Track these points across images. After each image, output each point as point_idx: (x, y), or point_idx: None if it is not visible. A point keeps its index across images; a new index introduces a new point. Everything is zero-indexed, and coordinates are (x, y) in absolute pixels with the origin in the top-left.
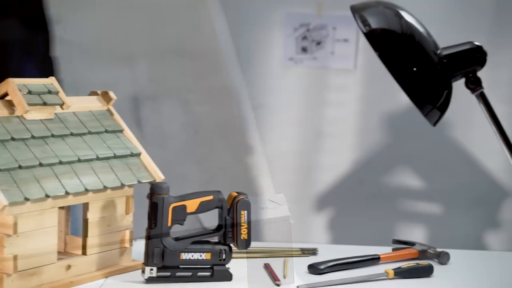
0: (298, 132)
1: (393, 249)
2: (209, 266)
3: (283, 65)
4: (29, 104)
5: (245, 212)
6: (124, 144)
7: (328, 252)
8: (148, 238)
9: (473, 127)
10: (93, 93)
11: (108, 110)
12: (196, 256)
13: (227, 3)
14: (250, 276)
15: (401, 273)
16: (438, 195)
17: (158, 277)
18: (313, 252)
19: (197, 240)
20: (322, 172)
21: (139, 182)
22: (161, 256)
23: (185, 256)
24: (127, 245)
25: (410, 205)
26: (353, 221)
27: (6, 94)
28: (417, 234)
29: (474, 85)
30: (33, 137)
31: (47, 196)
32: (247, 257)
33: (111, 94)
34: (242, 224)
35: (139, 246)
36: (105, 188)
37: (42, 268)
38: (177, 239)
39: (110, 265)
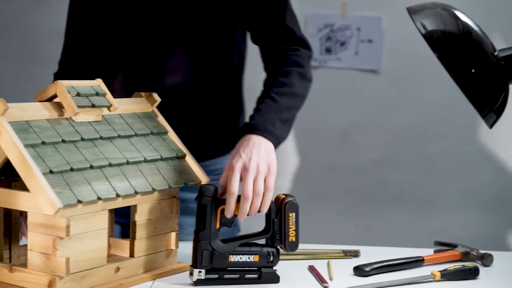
0: (321, 132)
1: (435, 251)
2: (256, 268)
3: None
4: (78, 106)
5: (293, 214)
6: (169, 146)
7: (367, 254)
8: (197, 240)
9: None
10: (137, 95)
11: (153, 112)
12: (244, 258)
13: None
14: (297, 278)
15: (447, 275)
16: (460, 195)
17: (206, 279)
18: (355, 254)
19: (245, 242)
20: (345, 172)
21: (185, 184)
22: (209, 259)
23: (233, 258)
24: (173, 247)
25: (431, 205)
26: (375, 222)
27: (54, 96)
28: (438, 234)
29: None
30: (82, 139)
31: (99, 198)
32: (291, 259)
33: (155, 96)
34: (290, 226)
35: (184, 248)
36: (154, 190)
37: (93, 271)
38: (225, 241)
39: (156, 267)
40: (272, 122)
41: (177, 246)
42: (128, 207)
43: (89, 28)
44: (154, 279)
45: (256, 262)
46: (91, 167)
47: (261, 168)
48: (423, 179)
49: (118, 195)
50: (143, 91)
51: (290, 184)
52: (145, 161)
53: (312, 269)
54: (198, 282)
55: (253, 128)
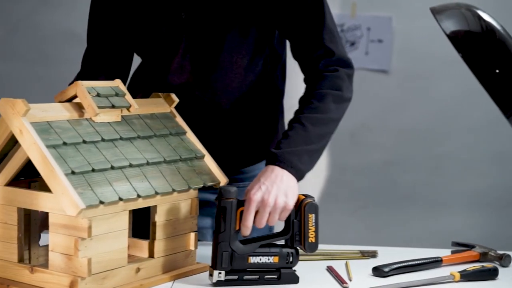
0: None
1: (452, 251)
2: (276, 269)
3: None
4: (99, 107)
5: (313, 215)
6: (188, 147)
7: (384, 255)
8: (217, 242)
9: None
10: (155, 96)
11: (171, 112)
12: (264, 259)
13: None
14: (316, 278)
15: (467, 276)
16: (469, 195)
17: (226, 280)
18: (372, 254)
19: (265, 243)
20: (355, 173)
21: (204, 185)
22: (229, 260)
23: (253, 259)
24: (192, 247)
25: (441, 205)
26: (385, 222)
27: (74, 97)
28: (447, 234)
29: None
30: (103, 140)
31: (120, 199)
32: (309, 260)
33: (173, 96)
34: (310, 227)
35: (203, 249)
36: (173, 190)
37: (114, 271)
38: (244, 242)
39: (176, 268)
40: (299, 155)
41: (196, 247)
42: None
43: (111, 28)
44: (174, 280)
45: (275, 263)
46: (112, 167)
47: (278, 204)
48: (433, 179)
49: (139, 196)
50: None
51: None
52: (165, 161)
53: (331, 269)
54: (218, 283)
55: (278, 160)
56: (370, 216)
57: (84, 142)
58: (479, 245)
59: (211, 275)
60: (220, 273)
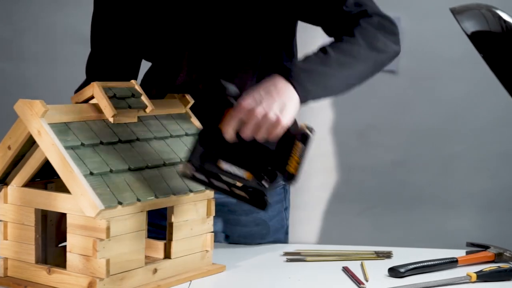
0: (339, 133)
1: (467, 252)
2: (247, 186)
3: None
4: (116, 108)
5: (302, 146)
6: None
7: (398, 255)
8: (197, 136)
9: None
10: (171, 97)
11: (186, 113)
12: (235, 170)
13: None
14: (333, 279)
15: (483, 276)
16: (478, 196)
17: (193, 177)
18: (387, 255)
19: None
20: (362, 173)
21: None
22: (199, 157)
23: (225, 166)
24: (208, 248)
25: (450, 206)
26: (393, 223)
27: (90, 98)
28: (456, 235)
29: None
30: (120, 141)
31: (138, 200)
32: (324, 260)
33: (189, 97)
34: (294, 156)
35: (219, 250)
36: (190, 191)
37: (131, 272)
38: (229, 150)
39: (192, 268)
40: (310, 74)
41: (212, 248)
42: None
43: (117, 33)
44: (190, 281)
45: (247, 179)
46: (130, 169)
47: (269, 118)
48: (441, 179)
49: (156, 197)
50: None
51: (308, 184)
52: (181, 162)
53: (346, 270)
54: (184, 174)
55: (285, 71)
56: (378, 217)
57: (102, 143)
58: (493, 245)
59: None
60: (191, 166)
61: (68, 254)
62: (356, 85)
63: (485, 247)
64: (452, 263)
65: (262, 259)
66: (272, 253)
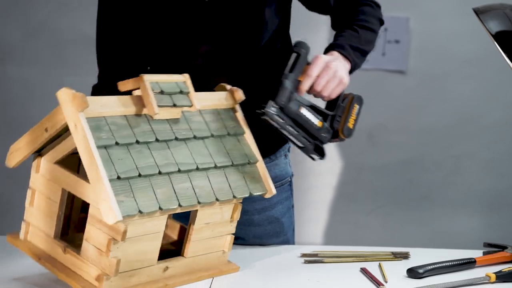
0: None
1: (484, 253)
2: (312, 136)
3: None
4: (159, 106)
5: (358, 107)
6: (243, 150)
7: (415, 256)
8: (283, 78)
9: None
10: (221, 88)
11: (233, 109)
12: (311, 117)
13: None
14: (352, 280)
15: (502, 277)
16: (488, 196)
17: (272, 117)
18: (405, 256)
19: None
20: (373, 172)
21: (250, 194)
22: (288, 97)
23: (304, 111)
24: (226, 249)
25: (460, 206)
26: (403, 222)
27: (135, 89)
28: (467, 235)
29: None
30: (157, 140)
31: (160, 208)
32: (342, 261)
33: (240, 92)
34: (352, 115)
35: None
36: (217, 200)
37: (142, 270)
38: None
39: (206, 268)
40: (354, 50)
41: (229, 249)
42: None
43: (122, 32)
44: (202, 280)
45: (318, 127)
46: (159, 173)
47: (339, 74)
48: (451, 179)
49: (180, 205)
50: None
51: (317, 183)
52: (215, 167)
53: (365, 271)
54: (266, 113)
55: (339, 46)
56: (388, 216)
57: (137, 142)
58: (511, 246)
59: (264, 105)
60: (274, 106)
61: (84, 242)
62: None
63: (503, 248)
64: (470, 263)
65: (278, 260)
66: (288, 254)
